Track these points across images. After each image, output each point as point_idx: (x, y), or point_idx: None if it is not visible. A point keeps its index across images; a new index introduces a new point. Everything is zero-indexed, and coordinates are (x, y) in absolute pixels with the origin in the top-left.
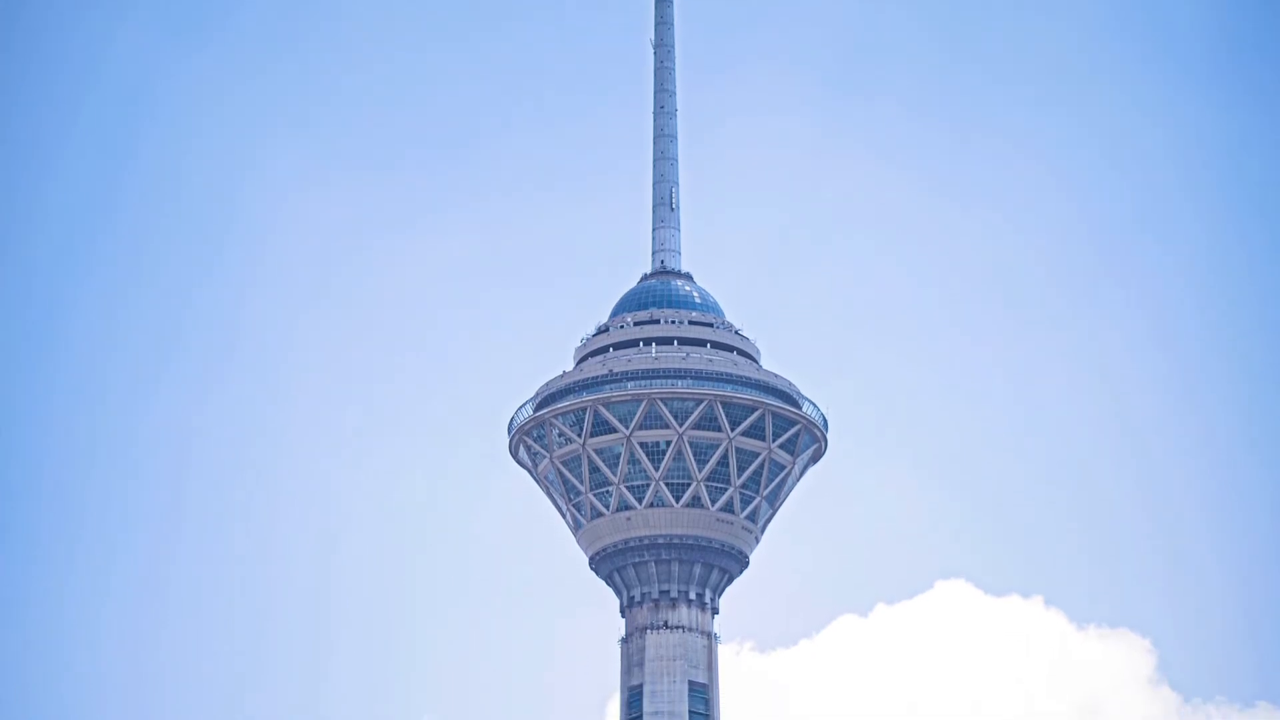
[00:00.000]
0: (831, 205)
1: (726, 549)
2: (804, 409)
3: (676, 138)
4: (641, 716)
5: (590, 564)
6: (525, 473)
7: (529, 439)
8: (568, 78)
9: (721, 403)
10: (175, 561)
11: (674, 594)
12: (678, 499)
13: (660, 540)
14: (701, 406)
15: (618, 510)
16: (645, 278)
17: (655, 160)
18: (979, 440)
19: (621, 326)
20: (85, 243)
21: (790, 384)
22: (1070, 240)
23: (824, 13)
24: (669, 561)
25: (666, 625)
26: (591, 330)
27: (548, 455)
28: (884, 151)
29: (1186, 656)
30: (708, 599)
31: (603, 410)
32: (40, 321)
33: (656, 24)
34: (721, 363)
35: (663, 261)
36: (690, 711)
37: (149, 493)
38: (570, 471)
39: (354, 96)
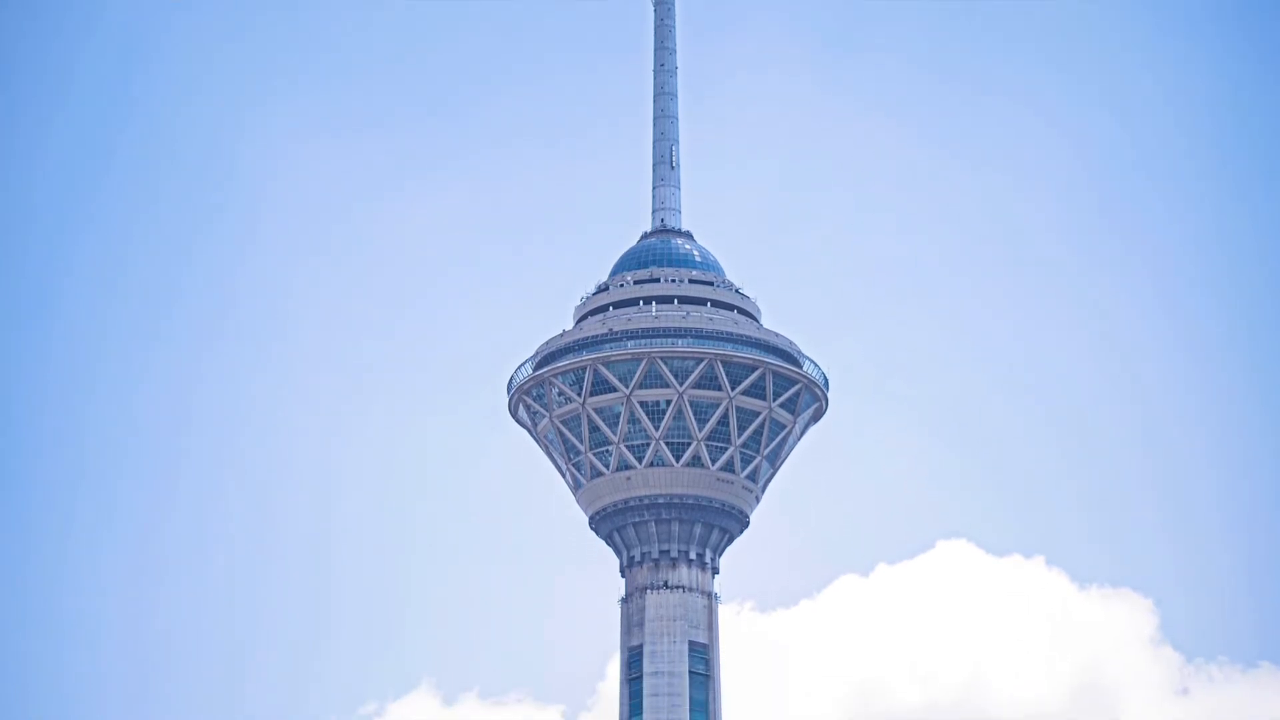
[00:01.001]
0: (832, 163)
1: (727, 509)
2: (805, 368)
3: (677, 95)
4: (641, 677)
5: (590, 524)
6: (525, 432)
7: (528, 398)
8: (568, 35)
9: (722, 362)
10: (173, 519)
11: (674, 554)
12: (678, 458)
13: (660, 500)
14: (702, 365)
15: (618, 470)
16: (645, 236)
17: (655, 118)
18: (981, 400)
19: (621, 285)
20: (81, 202)
21: (791, 343)
22: (1073, 197)
23: None
24: (669, 521)
25: (667, 585)
26: (591, 289)
27: (547, 414)
28: (885, 109)
29: (1188, 617)
30: (708, 559)
31: (602, 369)
32: (37, 281)
33: None
34: (722, 321)
35: (663, 220)
36: (690, 671)
37: (146, 451)
38: (570, 431)
39: (352, 54)
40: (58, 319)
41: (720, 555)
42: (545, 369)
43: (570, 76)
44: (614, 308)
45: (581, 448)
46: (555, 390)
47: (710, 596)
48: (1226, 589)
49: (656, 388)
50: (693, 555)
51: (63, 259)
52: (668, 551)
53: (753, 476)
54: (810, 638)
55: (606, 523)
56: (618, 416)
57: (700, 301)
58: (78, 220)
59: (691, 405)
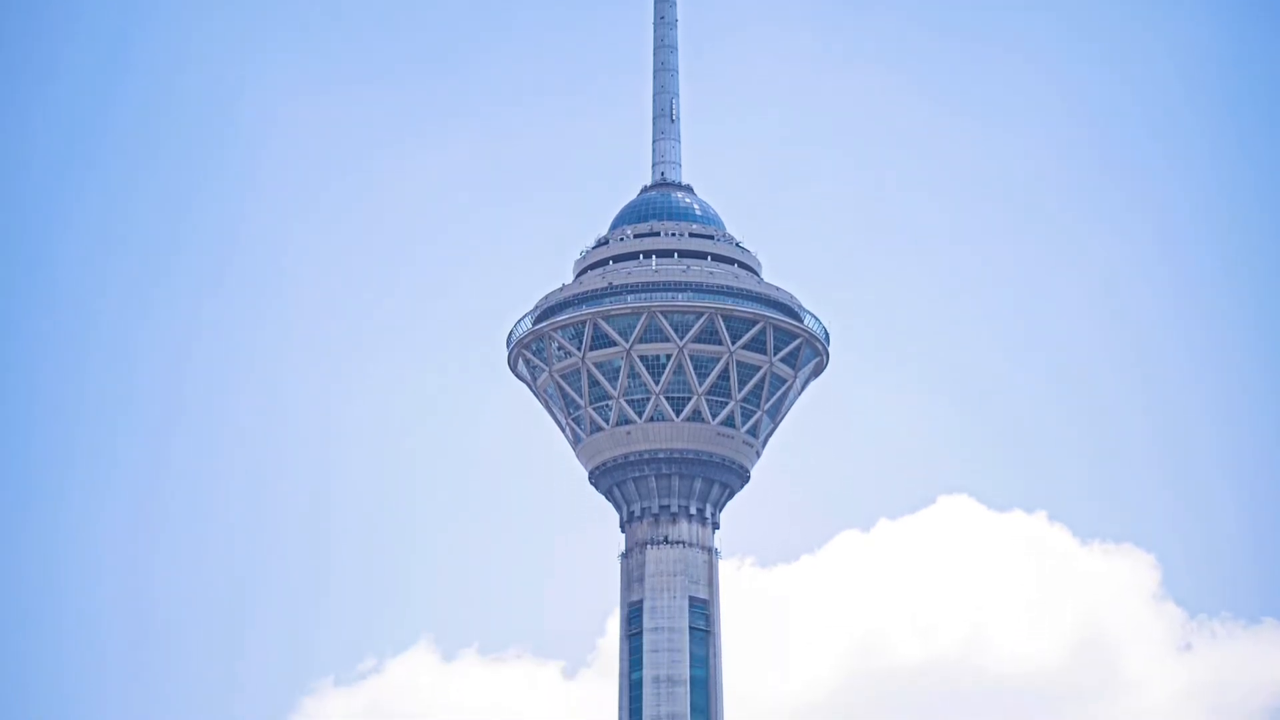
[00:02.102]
0: (834, 117)
1: (727, 464)
2: (805, 322)
3: (677, 48)
4: (641, 632)
5: (590, 478)
6: (524, 387)
7: (528, 352)
8: None
9: (722, 316)
10: (172, 472)
11: (674, 509)
12: (678, 413)
13: (660, 455)
14: (702, 320)
15: (617, 424)
16: (645, 190)
17: (655, 71)
18: (983, 354)
19: (621, 239)
20: (82, 152)
21: (792, 297)
22: (1075, 151)
23: None
24: (669, 476)
25: (667, 540)
26: (591, 243)
27: (547, 369)
28: (887, 62)
29: (1191, 572)
30: (708, 514)
31: (602, 323)
32: (38, 230)
33: None
34: (722, 275)
35: (663, 173)
36: (690, 627)
37: (142, 405)
38: (570, 385)
39: (351, 8)
40: (55, 274)
41: (720, 510)
42: (545, 323)
43: (569, 29)
44: (614, 262)
45: (581, 402)
46: (555, 345)
47: (710, 552)
48: (1229, 544)
49: (656, 342)
50: (693, 510)
51: (60, 214)
52: (668, 507)
53: (753, 431)
54: (811, 593)
55: (606, 478)
56: (617, 371)
57: (700, 255)
58: (75, 175)
59: (692, 360)
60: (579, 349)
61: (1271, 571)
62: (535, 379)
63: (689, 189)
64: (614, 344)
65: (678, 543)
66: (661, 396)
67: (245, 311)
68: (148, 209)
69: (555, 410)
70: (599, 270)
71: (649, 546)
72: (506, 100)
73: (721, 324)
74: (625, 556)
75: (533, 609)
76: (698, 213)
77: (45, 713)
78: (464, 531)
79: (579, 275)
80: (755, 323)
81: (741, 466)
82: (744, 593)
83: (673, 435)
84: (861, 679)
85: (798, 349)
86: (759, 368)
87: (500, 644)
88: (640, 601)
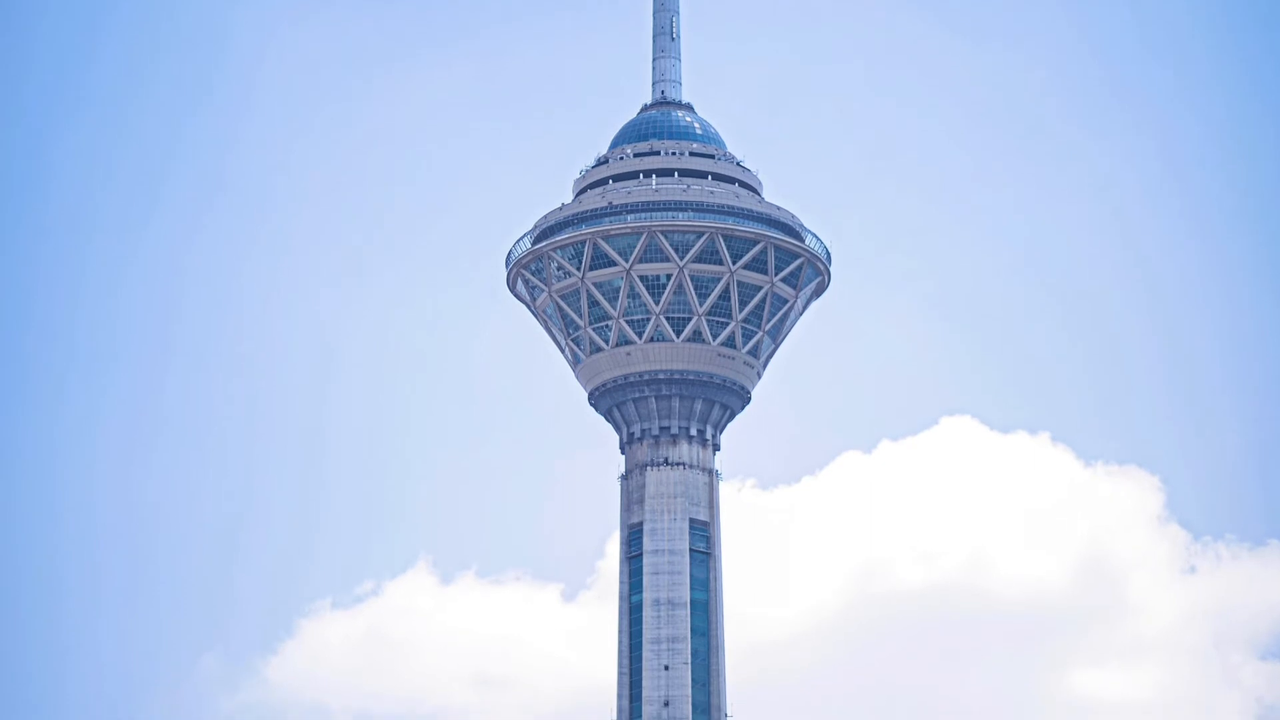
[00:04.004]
0: (835, 34)
1: (728, 384)
2: (807, 242)
3: None
4: (641, 554)
5: (589, 400)
6: (524, 307)
7: (527, 272)
8: None
9: (723, 235)
10: (167, 396)
11: (674, 430)
12: (678, 333)
13: (660, 375)
14: (702, 240)
15: (617, 345)
16: (645, 108)
17: None
18: (985, 273)
19: (621, 158)
20: (77, 73)
21: (793, 216)
22: (1078, 70)
23: None
24: (669, 397)
25: (667, 462)
26: (591, 162)
27: (546, 289)
28: None
29: (1196, 494)
30: (709, 435)
31: (602, 243)
32: (33, 152)
33: None
34: (723, 195)
35: (663, 92)
36: (691, 549)
37: (139, 328)
38: (569, 305)
39: None
40: (51, 197)
41: (721, 432)
42: (544, 243)
43: None
44: (613, 181)
45: (581, 323)
46: (554, 265)
47: (711, 473)
48: (1234, 466)
49: (657, 262)
50: (693, 431)
51: (55, 137)
52: (668, 428)
53: (754, 352)
54: (812, 515)
55: (606, 399)
56: (617, 291)
57: (701, 175)
58: (70, 99)
59: (692, 280)
60: (578, 269)
61: (1277, 493)
62: (534, 299)
63: (689, 107)
64: (614, 264)
65: (678, 464)
66: (662, 317)
67: (241, 234)
68: (144, 129)
69: (554, 331)
70: (599, 189)
71: (649, 468)
72: (506, 19)
73: (722, 244)
74: (625, 478)
75: (532, 531)
76: (698, 131)
77: (40, 636)
78: (463, 453)
79: (578, 195)
80: (756, 242)
81: (742, 387)
82: (745, 514)
83: (673, 356)
84: (863, 601)
85: (799, 269)
86: (760, 288)
87: (499, 566)
88: (640, 524)
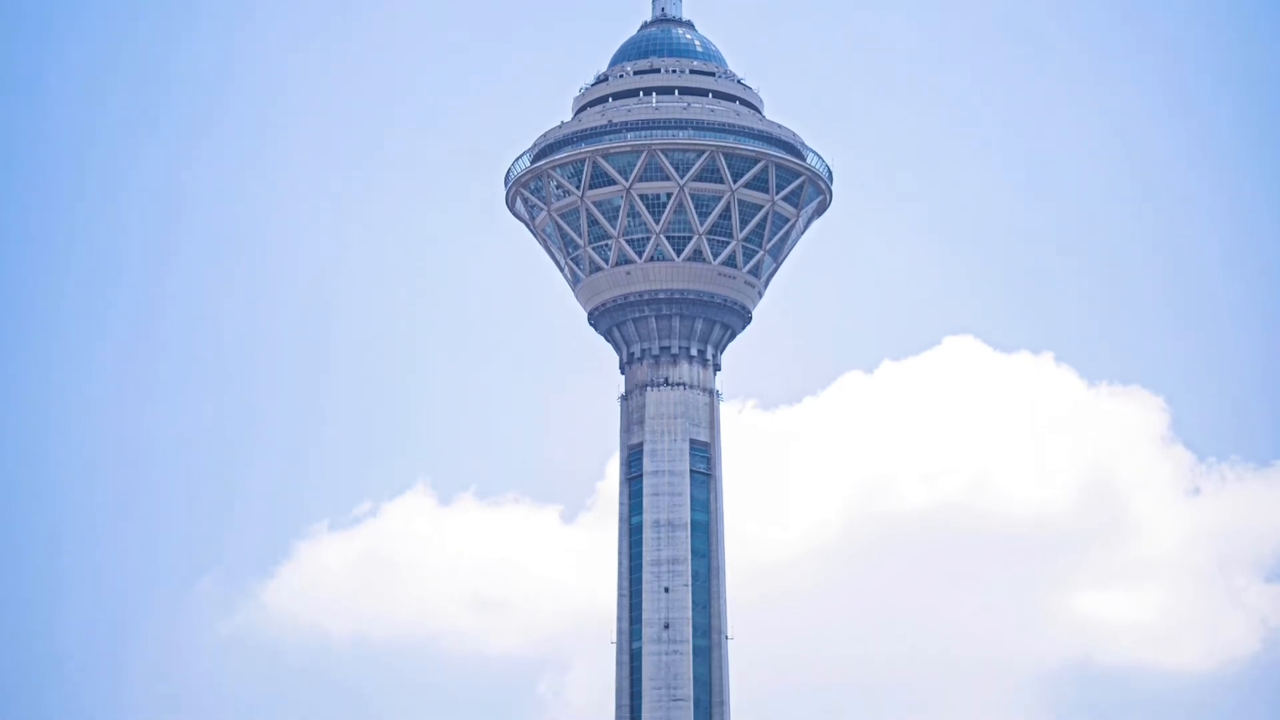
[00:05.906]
0: None
1: (729, 304)
2: (808, 160)
3: None
4: (641, 475)
5: (589, 319)
6: (522, 226)
7: (526, 191)
8: None
9: (723, 154)
10: (165, 317)
11: (675, 350)
12: (678, 253)
13: (660, 295)
14: (703, 158)
15: (617, 264)
16: (645, 25)
17: None
18: (988, 193)
19: (621, 76)
20: None
21: (794, 135)
22: None
23: None
24: (669, 317)
25: (667, 382)
26: (590, 80)
27: (545, 208)
28: None
29: (1200, 414)
30: (709, 355)
31: (601, 162)
32: (30, 66)
33: None
34: (724, 113)
35: (663, 9)
36: (691, 470)
37: (138, 247)
38: (568, 224)
39: None
40: (48, 110)
41: (722, 352)
42: (543, 161)
43: None
44: (613, 99)
45: (580, 242)
46: (553, 183)
47: (712, 394)
48: (1239, 386)
49: (657, 180)
50: (694, 351)
51: (53, 49)
52: (668, 348)
53: (755, 271)
54: (813, 436)
55: (605, 318)
56: (617, 210)
57: (701, 92)
58: (68, 11)
59: (692, 198)
60: (578, 188)
61: None
62: (534, 218)
63: (690, 25)
64: (613, 183)
65: (678, 384)
66: (662, 236)
67: (238, 150)
68: (141, 42)
69: (554, 250)
70: (598, 108)
71: (649, 388)
72: None
73: (723, 162)
74: (625, 399)
75: (531, 452)
76: (699, 49)
77: (38, 560)
78: (461, 373)
79: (578, 113)
80: (757, 161)
81: (743, 307)
82: (745, 435)
83: (673, 275)
84: (865, 522)
85: (800, 187)
86: (761, 207)
87: (498, 488)
88: (640, 444)
